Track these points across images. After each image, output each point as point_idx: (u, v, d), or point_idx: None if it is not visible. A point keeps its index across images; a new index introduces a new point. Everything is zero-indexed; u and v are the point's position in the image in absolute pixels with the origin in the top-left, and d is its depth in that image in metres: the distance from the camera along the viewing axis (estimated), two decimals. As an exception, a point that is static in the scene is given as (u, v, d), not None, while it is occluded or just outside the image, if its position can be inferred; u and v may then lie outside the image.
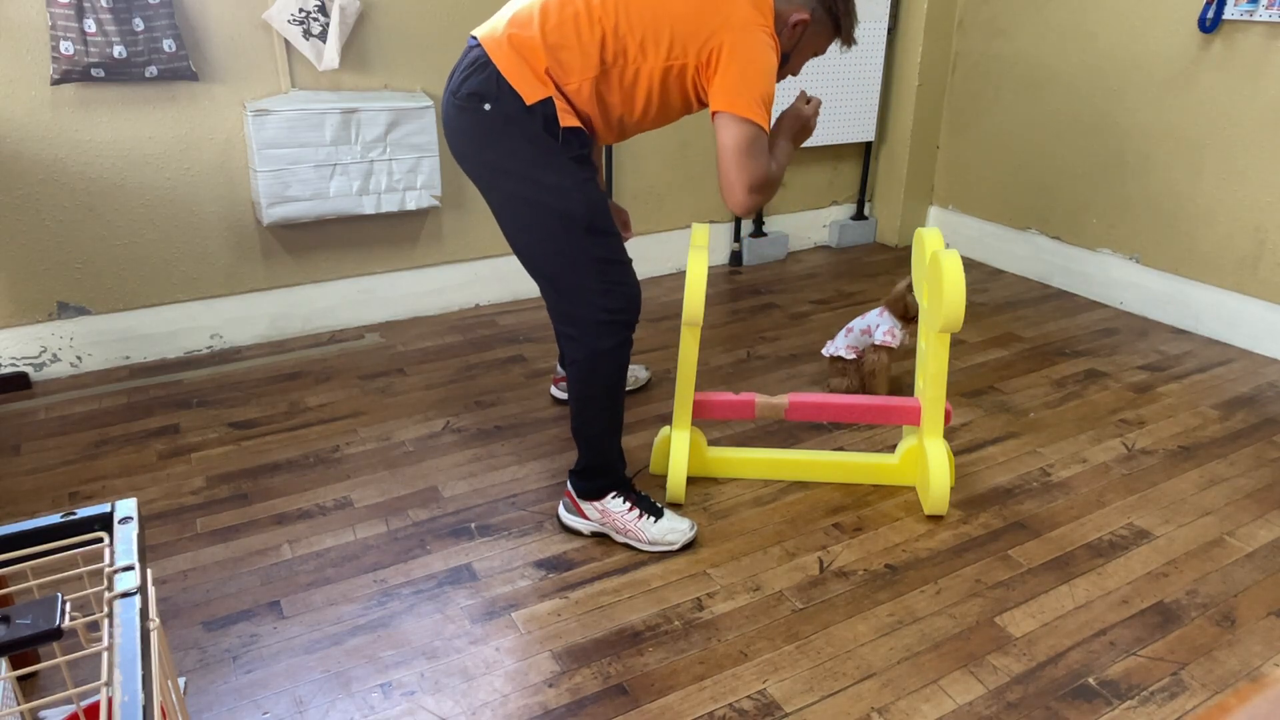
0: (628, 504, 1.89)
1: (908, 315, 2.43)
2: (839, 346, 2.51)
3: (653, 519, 1.89)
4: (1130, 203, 3.13)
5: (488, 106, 1.70)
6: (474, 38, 1.75)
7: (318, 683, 1.53)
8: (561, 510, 1.97)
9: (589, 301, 1.74)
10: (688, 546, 1.90)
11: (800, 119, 1.89)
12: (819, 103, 1.92)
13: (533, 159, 1.71)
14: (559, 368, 2.49)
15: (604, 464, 1.89)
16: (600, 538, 1.91)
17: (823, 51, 1.91)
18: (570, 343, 1.80)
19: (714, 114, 1.70)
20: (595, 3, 1.67)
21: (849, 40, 1.89)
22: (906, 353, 2.84)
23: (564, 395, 2.50)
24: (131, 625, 0.73)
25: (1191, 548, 1.90)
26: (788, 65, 1.88)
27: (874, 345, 2.46)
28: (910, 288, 2.42)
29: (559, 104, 1.70)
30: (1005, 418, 2.44)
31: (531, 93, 1.68)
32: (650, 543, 1.88)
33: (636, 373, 2.57)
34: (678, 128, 3.33)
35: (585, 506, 1.92)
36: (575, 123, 1.72)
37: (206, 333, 2.78)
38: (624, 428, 2.35)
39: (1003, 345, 2.92)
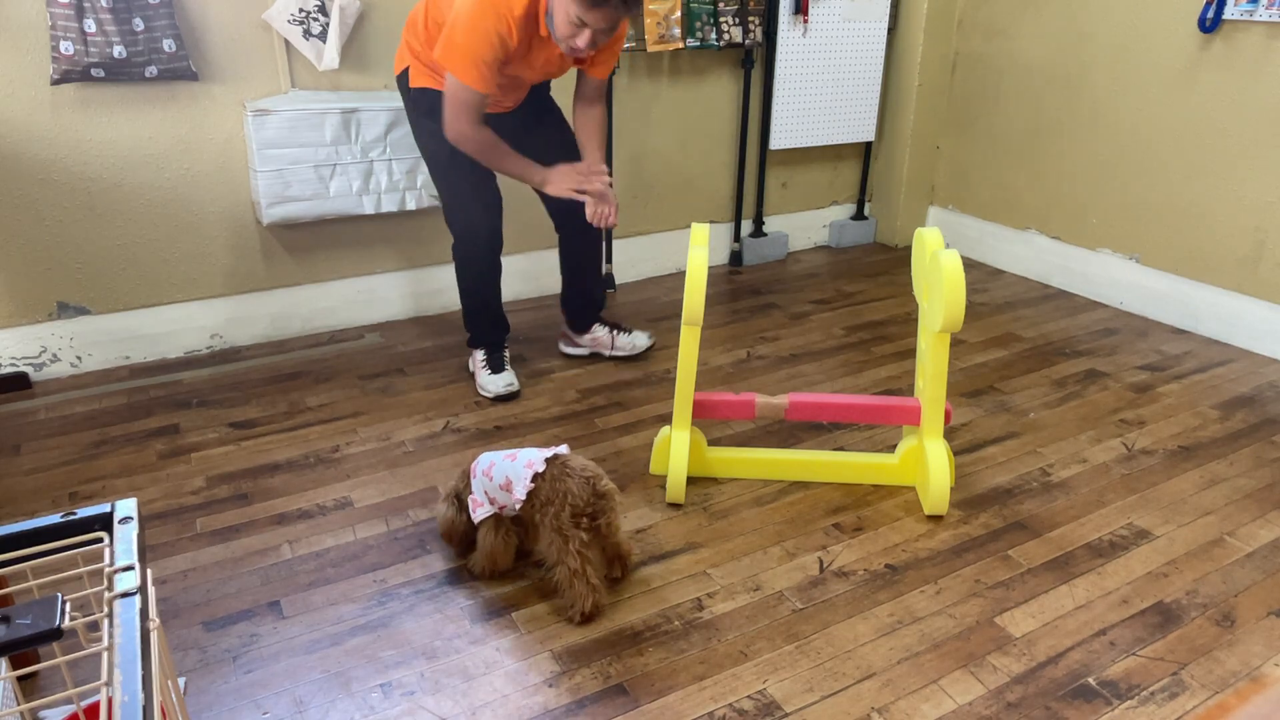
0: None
1: (584, 513, 1.63)
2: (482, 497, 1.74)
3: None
4: (1130, 203, 3.13)
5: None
6: None
7: (318, 683, 1.53)
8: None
9: (450, 219, 2.39)
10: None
11: (553, 179, 2.21)
12: (598, 188, 2.21)
13: (410, 116, 2.37)
14: (564, 326, 2.74)
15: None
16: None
17: (574, 20, 1.95)
18: None
19: None
20: None
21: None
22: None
23: (572, 350, 2.75)
24: (131, 625, 0.73)
25: (1191, 548, 1.90)
26: (553, 37, 2.07)
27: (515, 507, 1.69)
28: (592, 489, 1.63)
29: (414, 68, 2.23)
30: (1005, 418, 2.44)
31: (399, 64, 2.31)
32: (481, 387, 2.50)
33: (635, 340, 2.75)
34: (677, 128, 3.33)
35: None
36: (427, 83, 2.22)
37: (206, 333, 2.78)
38: (625, 426, 2.36)
39: (1003, 345, 2.92)
